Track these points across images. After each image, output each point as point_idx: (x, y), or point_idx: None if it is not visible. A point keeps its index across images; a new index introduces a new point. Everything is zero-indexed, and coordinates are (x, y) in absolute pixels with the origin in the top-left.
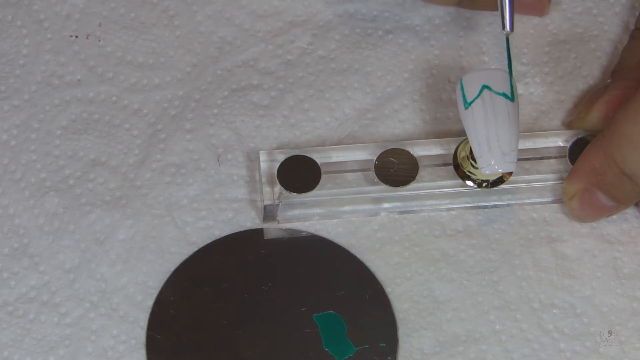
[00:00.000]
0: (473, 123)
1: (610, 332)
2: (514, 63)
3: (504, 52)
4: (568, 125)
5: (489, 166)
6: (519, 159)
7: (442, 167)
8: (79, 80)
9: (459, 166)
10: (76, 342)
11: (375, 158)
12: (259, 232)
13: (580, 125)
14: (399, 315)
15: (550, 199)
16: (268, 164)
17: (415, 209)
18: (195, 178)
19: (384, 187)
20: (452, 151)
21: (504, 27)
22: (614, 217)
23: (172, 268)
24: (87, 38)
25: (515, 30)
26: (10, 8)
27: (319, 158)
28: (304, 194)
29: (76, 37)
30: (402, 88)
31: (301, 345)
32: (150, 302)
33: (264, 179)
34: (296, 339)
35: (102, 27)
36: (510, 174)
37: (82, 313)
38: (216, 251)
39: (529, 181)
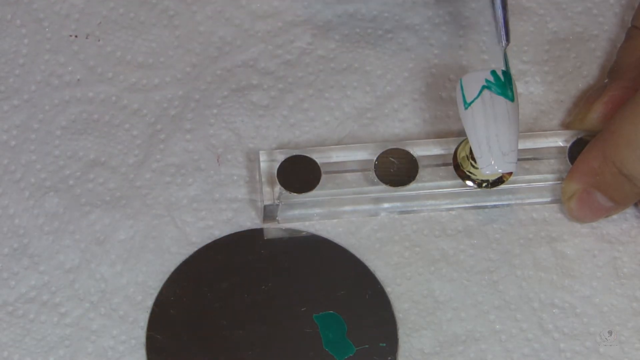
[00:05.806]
0: (473, 123)
1: (610, 332)
2: (514, 61)
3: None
4: (567, 126)
5: (488, 166)
6: (519, 159)
7: (442, 167)
8: (78, 80)
9: (459, 166)
10: (76, 342)
11: (375, 158)
12: (259, 232)
13: (579, 126)
14: (399, 315)
15: (550, 199)
16: (268, 164)
17: (415, 209)
18: (195, 178)
19: (384, 187)
20: (452, 151)
21: (500, 40)
22: (614, 217)
23: (172, 268)
24: (86, 38)
25: (514, 28)
26: (9, 7)
27: (318, 158)
28: (304, 194)
29: (76, 36)
30: (402, 87)
31: (301, 345)
32: (150, 302)
33: (263, 179)
34: (296, 339)
35: (102, 27)
36: (510, 174)
37: (82, 313)
38: (216, 251)
39: (529, 181)
